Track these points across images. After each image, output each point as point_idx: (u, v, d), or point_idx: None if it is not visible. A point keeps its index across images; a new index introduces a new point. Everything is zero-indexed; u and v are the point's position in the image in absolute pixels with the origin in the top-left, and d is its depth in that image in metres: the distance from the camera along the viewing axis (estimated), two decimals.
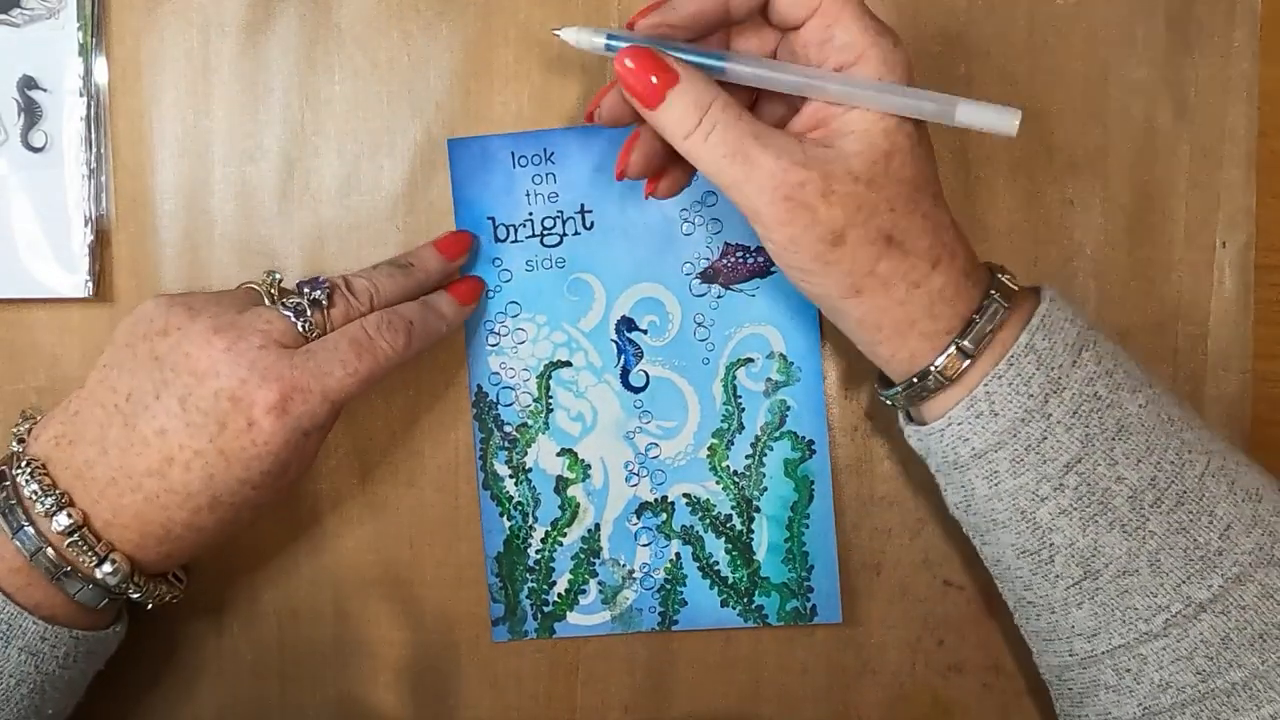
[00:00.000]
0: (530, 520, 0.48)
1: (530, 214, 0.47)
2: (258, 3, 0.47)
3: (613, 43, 0.38)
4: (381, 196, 0.47)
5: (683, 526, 0.48)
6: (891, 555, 0.48)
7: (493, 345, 0.47)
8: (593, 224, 0.47)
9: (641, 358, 0.47)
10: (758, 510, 0.47)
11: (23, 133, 0.46)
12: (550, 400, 0.48)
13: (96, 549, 0.39)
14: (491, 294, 0.47)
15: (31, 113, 0.46)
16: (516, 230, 0.47)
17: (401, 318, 0.42)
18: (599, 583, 0.48)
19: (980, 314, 0.38)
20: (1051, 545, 0.38)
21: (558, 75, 0.47)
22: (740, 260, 0.47)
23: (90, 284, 0.46)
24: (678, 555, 0.48)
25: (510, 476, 0.48)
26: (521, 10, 0.46)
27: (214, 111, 0.47)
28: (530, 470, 0.48)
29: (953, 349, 0.38)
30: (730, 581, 0.48)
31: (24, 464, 0.40)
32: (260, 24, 0.47)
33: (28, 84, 0.46)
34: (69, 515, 0.39)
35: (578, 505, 0.48)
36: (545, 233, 0.47)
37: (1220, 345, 0.47)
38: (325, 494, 0.48)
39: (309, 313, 0.41)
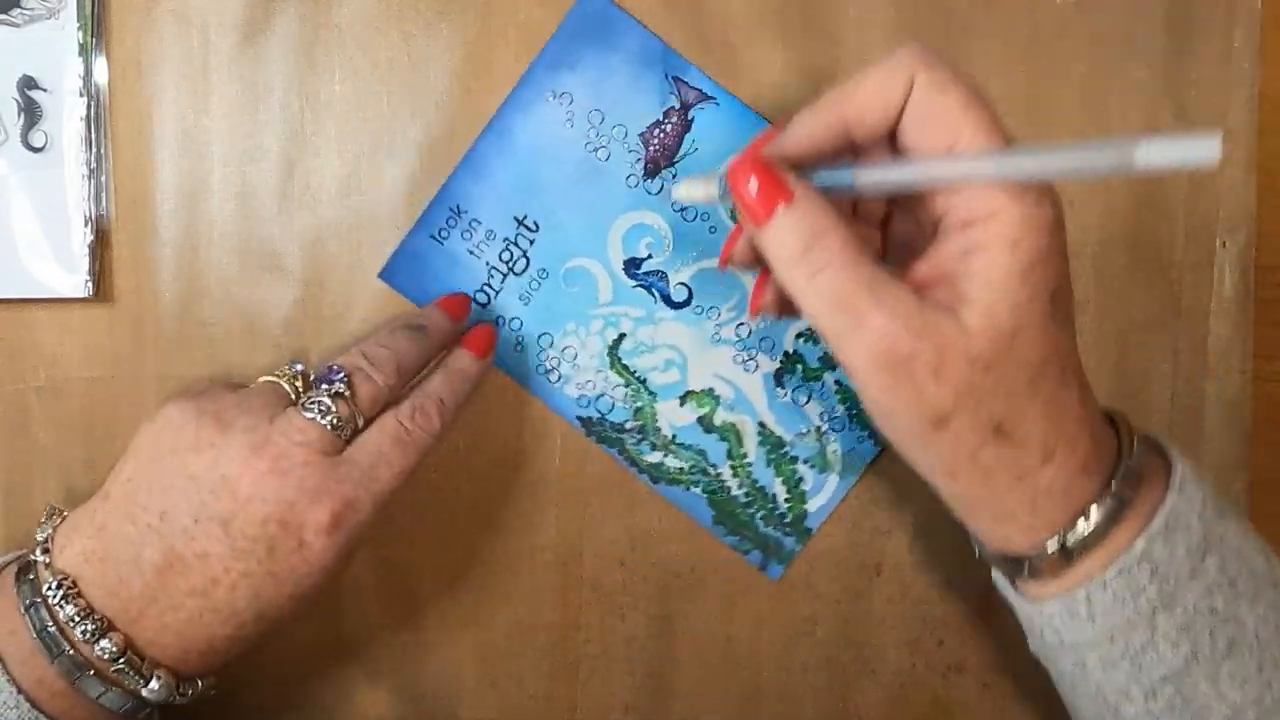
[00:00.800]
0: (713, 471, 0.48)
1: (486, 263, 0.47)
2: (257, 3, 0.47)
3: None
4: (381, 196, 0.47)
5: (820, 359, 0.47)
6: (891, 555, 0.48)
7: (556, 381, 0.47)
8: (535, 223, 0.47)
9: (667, 278, 0.47)
10: None
11: (23, 133, 0.46)
12: (635, 374, 0.47)
13: (141, 671, 0.38)
14: (518, 347, 0.47)
15: (31, 113, 0.46)
16: (490, 286, 0.47)
17: (432, 400, 0.41)
18: (804, 462, 0.48)
19: (1090, 513, 0.33)
20: None
21: None
22: (664, 134, 0.46)
23: (90, 284, 0.46)
24: (837, 383, 0.48)
25: (668, 457, 0.48)
26: (521, 10, 0.46)
27: (214, 111, 0.47)
28: (674, 437, 0.48)
29: (1053, 547, 0.33)
30: None
31: (54, 584, 0.38)
32: (260, 24, 0.47)
33: (28, 84, 0.46)
34: (111, 640, 0.37)
35: (732, 425, 0.48)
36: (510, 264, 0.47)
37: (1220, 345, 0.47)
38: None
39: (334, 409, 0.39)
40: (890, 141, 0.34)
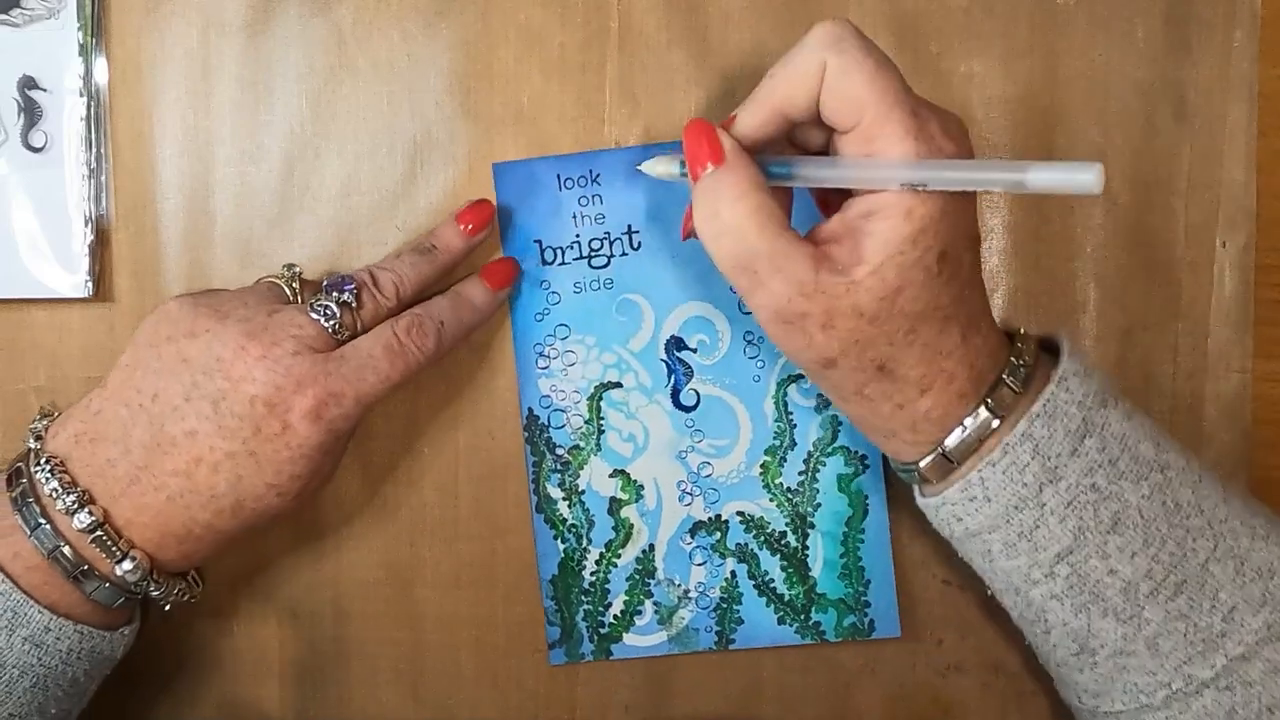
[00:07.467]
0: (584, 542, 0.47)
1: (577, 236, 0.46)
2: (258, 3, 0.47)
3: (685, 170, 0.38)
4: (381, 196, 0.47)
5: (737, 545, 0.47)
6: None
7: (543, 368, 0.47)
8: (640, 245, 0.46)
9: (692, 377, 0.47)
10: (812, 526, 0.47)
11: (23, 133, 0.46)
12: (602, 421, 0.47)
13: (118, 546, 0.39)
14: (540, 317, 0.47)
15: (31, 113, 0.46)
16: (564, 252, 0.47)
17: (431, 320, 0.42)
18: (654, 603, 0.47)
19: (966, 424, 0.37)
20: (1046, 621, 0.39)
21: (557, 75, 0.47)
22: None
23: (90, 284, 0.46)
24: (733, 574, 0.47)
25: (563, 499, 0.47)
26: (521, 10, 0.46)
27: (214, 111, 0.47)
28: (583, 492, 0.47)
29: (932, 458, 0.38)
30: (786, 599, 0.47)
31: (43, 461, 0.39)
32: (260, 24, 0.47)
33: (28, 84, 0.46)
34: (90, 513, 0.39)
35: (631, 526, 0.47)
36: (593, 254, 0.46)
37: (1220, 345, 0.47)
38: (326, 494, 0.48)
39: (339, 315, 0.41)
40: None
